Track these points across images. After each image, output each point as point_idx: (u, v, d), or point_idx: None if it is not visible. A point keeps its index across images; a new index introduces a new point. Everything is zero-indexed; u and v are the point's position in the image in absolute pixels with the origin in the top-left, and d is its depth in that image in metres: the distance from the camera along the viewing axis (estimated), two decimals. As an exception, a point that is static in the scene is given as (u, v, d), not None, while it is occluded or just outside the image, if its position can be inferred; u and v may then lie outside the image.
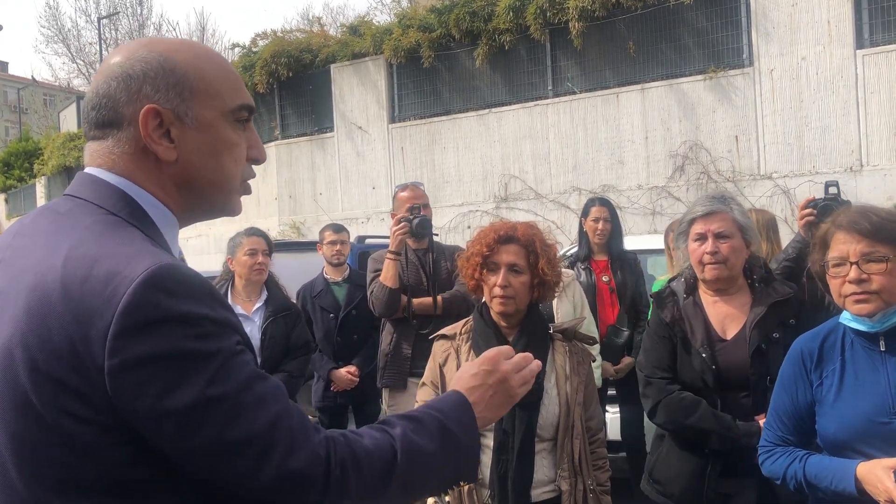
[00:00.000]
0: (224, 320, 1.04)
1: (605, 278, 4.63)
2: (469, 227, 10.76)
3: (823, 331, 2.15)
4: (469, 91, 11.49)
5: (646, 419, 4.48)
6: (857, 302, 1.98)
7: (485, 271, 2.48)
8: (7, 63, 59.50)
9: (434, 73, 11.70)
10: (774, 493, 2.40)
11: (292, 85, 13.21)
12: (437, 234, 4.28)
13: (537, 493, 2.39)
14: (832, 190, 3.20)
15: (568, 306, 4.06)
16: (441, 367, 2.52)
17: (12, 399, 1.01)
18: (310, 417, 1.22)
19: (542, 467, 2.41)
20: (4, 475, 1.03)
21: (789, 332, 2.46)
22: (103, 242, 1.04)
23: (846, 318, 2.07)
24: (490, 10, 10.79)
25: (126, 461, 1.00)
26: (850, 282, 1.98)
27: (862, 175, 8.66)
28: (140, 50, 1.15)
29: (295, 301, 4.78)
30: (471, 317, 2.59)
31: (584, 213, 4.79)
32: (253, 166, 1.27)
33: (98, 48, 30.73)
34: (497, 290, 2.44)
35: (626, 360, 4.55)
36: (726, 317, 2.65)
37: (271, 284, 4.28)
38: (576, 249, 4.92)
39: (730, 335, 2.62)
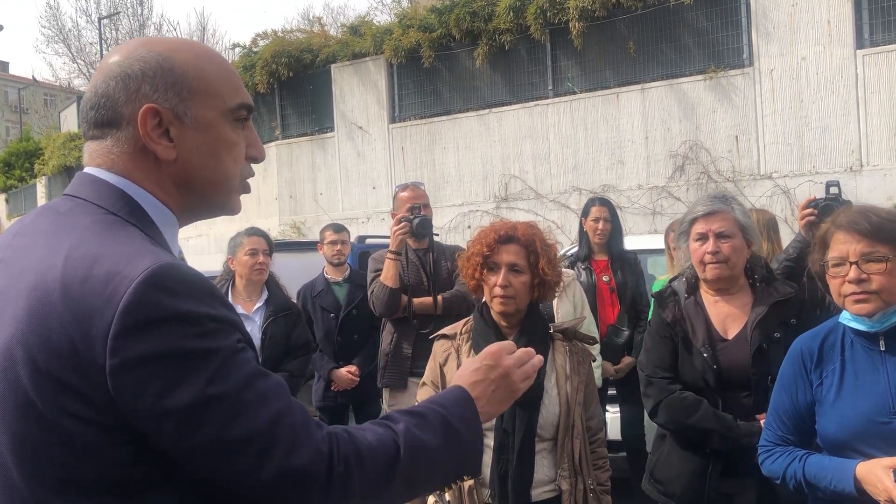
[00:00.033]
0: (225, 318, 1.04)
1: (605, 278, 4.63)
2: (469, 227, 10.76)
3: (823, 330, 2.15)
4: (469, 91, 11.49)
5: (646, 419, 4.49)
6: (857, 302, 1.98)
7: (485, 271, 2.48)
8: (8, 63, 59.52)
9: (434, 73, 11.70)
10: (775, 493, 2.40)
11: (293, 85, 13.22)
12: (437, 234, 4.29)
13: (537, 492, 2.39)
14: (833, 190, 3.20)
15: (568, 306, 4.07)
16: (441, 366, 2.53)
17: (13, 399, 1.01)
18: None
19: (543, 467, 2.41)
20: (5, 475, 1.03)
21: (790, 331, 2.46)
22: (103, 242, 1.04)
23: (846, 318, 2.07)
24: (490, 10, 10.79)
25: (126, 461, 1.00)
26: (849, 282, 1.98)
27: (862, 175, 8.66)
28: (139, 49, 1.15)
29: (295, 301, 4.78)
30: (471, 316, 2.60)
31: (585, 213, 4.79)
32: (252, 165, 1.27)
33: (99, 48, 30.74)
34: (497, 290, 2.44)
35: (627, 359, 4.55)
36: (727, 316, 2.65)
37: (272, 284, 4.28)
38: (576, 249, 4.92)
39: (731, 335, 2.62)
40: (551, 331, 2.56)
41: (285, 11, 72.33)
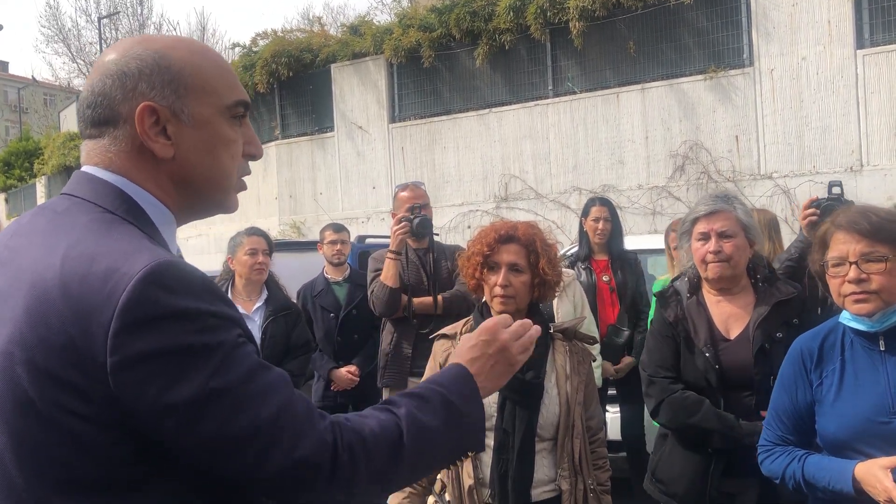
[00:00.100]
0: (224, 314, 1.04)
1: (605, 278, 4.63)
2: (469, 227, 10.76)
3: (823, 330, 2.15)
4: (469, 91, 11.49)
5: (646, 419, 4.49)
6: (857, 302, 1.98)
7: (485, 271, 2.48)
8: (7, 63, 59.53)
9: (434, 73, 11.70)
10: (777, 493, 2.40)
11: (293, 85, 13.22)
12: (437, 234, 4.29)
13: (537, 492, 2.39)
14: (836, 190, 3.20)
15: (568, 306, 4.07)
16: (441, 366, 2.52)
17: (12, 398, 1.01)
18: None
19: (543, 467, 2.41)
20: (5, 474, 1.03)
21: (793, 331, 2.45)
22: (101, 240, 1.04)
23: (846, 318, 2.07)
24: (490, 10, 10.79)
25: (126, 458, 1.01)
26: (849, 281, 1.98)
27: (862, 175, 8.66)
28: (135, 47, 1.15)
29: (295, 301, 4.78)
30: (471, 316, 2.59)
31: (585, 212, 4.79)
32: (252, 164, 1.27)
33: (98, 48, 30.73)
34: (497, 290, 2.44)
35: (627, 359, 4.55)
36: (730, 316, 2.65)
37: (271, 284, 4.28)
38: (576, 249, 4.92)
39: (733, 335, 2.62)
40: (551, 330, 2.56)
41: (285, 11, 72.37)
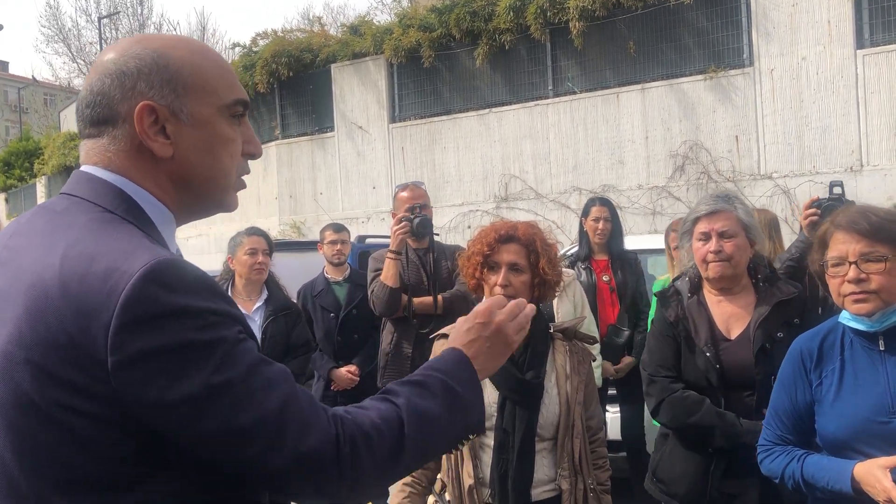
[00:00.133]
0: (224, 311, 1.05)
1: (605, 278, 4.63)
2: (469, 227, 10.77)
3: (823, 330, 2.15)
4: (469, 91, 11.49)
5: (646, 419, 4.49)
6: (856, 301, 1.98)
7: (485, 270, 2.48)
8: (7, 63, 59.53)
9: (434, 73, 11.71)
10: (778, 493, 2.40)
11: (293, 85, 13.22)
12: (437, 234, 4.29)
13: (537, 492, 2.39)
14: (837, 190, 3.20)
15: (568, 306, 4.07)
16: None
17: (13, 398, 1.01)
18: None
19: (543, 466, 2.40)
20: (6, 473, 1.03)
21: (793, 331, 2.44)
22: (100, 239, 1.04)
23: (845, 318, 2.07)
24: (490, 10, 10.79)
25: (127, 458, 1.01)
26: (849, 281, 1.98)
27: (862, 175, 8.66)
28: (134, 46, 1.15)
29: (295, 300, 4.78)
30: (471, 316, 2.59)
31: (585, 212, 4.79)
32: (252, 164, 1.27)
33: (98, 48, 30.73)
34: (497, 290, 2.44)
35: (627, 359, 4.55)
36: (731, 316, 2.65)
37: (271, 284, 4.28)
38: (576, 249, 4.92)
39: (734, 335, 2.61)
40: (551, 330, 2.56)
41: (285, 11, 72.38)
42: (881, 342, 2.01)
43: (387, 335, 4.17)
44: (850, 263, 1.98)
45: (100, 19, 32.36)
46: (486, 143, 11.22)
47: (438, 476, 2.51)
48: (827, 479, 1.98)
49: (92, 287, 0.99)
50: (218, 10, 76.98)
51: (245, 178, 1.27)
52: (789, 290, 2.62)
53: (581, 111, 10.47)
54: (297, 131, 13.37)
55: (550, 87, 10.81)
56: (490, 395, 2.42)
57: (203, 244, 13.92)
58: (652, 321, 2.91)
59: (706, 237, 2.63)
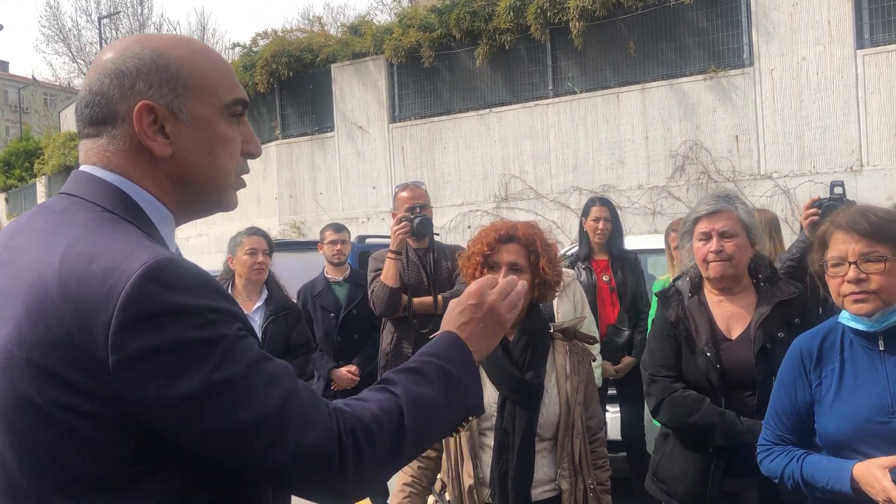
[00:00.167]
0: (224, 309, 1.05)
1: (605, 278, 4.63)
2: (469, 227, 10.77)
3: (823, 330, 2.15)
4: (469, 91, 11.50)
5: (646, 419, 4.49)
6: (856, 301, 1.98)
7: (485, 270, 2.48)
8: (8, 63, 59.55)
9: (434, 73, 11.71)
10: (778, 493, 2.40)
11: (293, 84, 13.22)
12: (437, 234, 4.29)
13: (537, 492, 2.39)
14: (838, 190, 3.20)
15: (568, 306, 4.07)
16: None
17: (13, 398, 1.01)
18: None
19: (543, 466, 2.41)
20: (6, 473, 1.03)
21: (794, 331, 2.44)
22: (100, 239, 1.04)
23: (845, 318, 2.07)
24: (490, 10, 10.80)
25: (126, 458, 1.01)
26: (848, 281, 1.98)
27: (862, 175, 8.66)
28: (133, 46, 1.15)
29: (295, 300, 4.78)
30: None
31: (585, 212, 4.79)
32: (252, 164, 1.27)
33: (98, 48, 30.72)
34: (497, 290, 2.44)
35: (627, 359, 4.55)
36: (731, 316, 2.65)
37: (271, 284, 4.28)
38: (576, 249, 4.92)
39: (735, 335, 2.61)
40: (551, 330, 2.56)
41: (285, 11, 72.40)
42: (881, 342, 2.01)
43: (387, 335, 4.17)
44: (850, 263, 1.98)
45: (100, 19, 32.37)
46: (486, 143, 11.22)
47: (438, 476, 2.52)
48: (826, 479, 1.98)
49: (91, 286, 0.99)
50: (218, 10, 77.00)
51: (245, 177, 1.27)
52: (790, 290, 2.62)
53: (581, 111, 10.47)
54: (297, 131, 13.37)
55: (550, 87, 10.81)
56: (490, 395, 2.42)
57: (203, 244, 13.92)
58: (653, 321, 2.91)
59: (707, 237, 2.63)
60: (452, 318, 1.31)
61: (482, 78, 11.36)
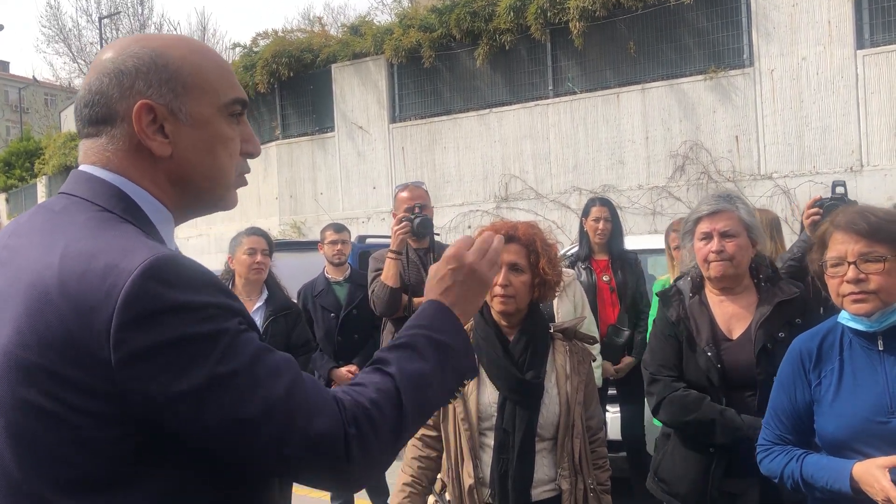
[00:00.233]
0: (224, 305, 1.05)
1: (605, 278, 4.63)
2: (469, 227, 10.78)
3: (822, 330, 2.15)
4: (470, 91, 11.50)
5: (646, 419, 4.49)
6: (855, 302, 1.98)
7: (485, 270, 2.48)
8: (8, 63, 59.55)
9: (435, 73, 11.71)
10: (778, 493, 2.40)
11: (293, 85, 13.22)
12: (438, 234, 4.29)
13: (537, 492, 2.39)
14: (839, 189, 3.20)
15: (568, 306, 4.07)
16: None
17: (13, 397, 1.01)
18: None
19: (543, 466, 2.41)
20: (5, 473, 1.03)
21: (795, 331, 2.43)
22: (99, 238, 1.05)
23: (844, 318, 2.08)
24: (491, 10, 10.79)
25: (126, 458, 1.01)
26: (847, 282, 1.98)
27: (862, 175, 8.66)
28: (132, 46, 1.15)
29: (295, 300, 4.78)
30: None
31: (585, 212, 4.80)
32: (252, 164, 1.27)
33: (99, 48, 30.70)
34: (497, 290, 2.44)
35: (627, 359, 4.56)
36: (732, 316, 2.65)
37: (272, 284, 4.28)
38: (576, 249, 4.92)
39: (736, 335, 2.61)
40: (551, 330, 2.56)
41: (286, 11, 72.38)
42: (880, 342, 2.01)
43: (387, 335, 4.17)
44: (849, 264, 1.98)
45: (100, 19, 32.36)
46: (487, 143, 11.22)
47: (438, 476, 2.52)
48: (826, 479, 1.98)
49: (91, 285, 0.99)
50: (218, 10, 77.00)
51: (245, 177, 1.27)
52: (791, 290, 2.62)
53: (581, 111, 10.47)
54: (298, 131, 13.37)
55: (551, 88, 10.81)
56: (490, 395, 2.42)
57: (203, 244, 13.93)
58: (654, 321, 2.91)
59: (708, 237, 2.63)
60: (434, 285, 1.31)
61: (482, 78, 11.36)
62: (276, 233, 11.86)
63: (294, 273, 5.35)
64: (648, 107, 9.99)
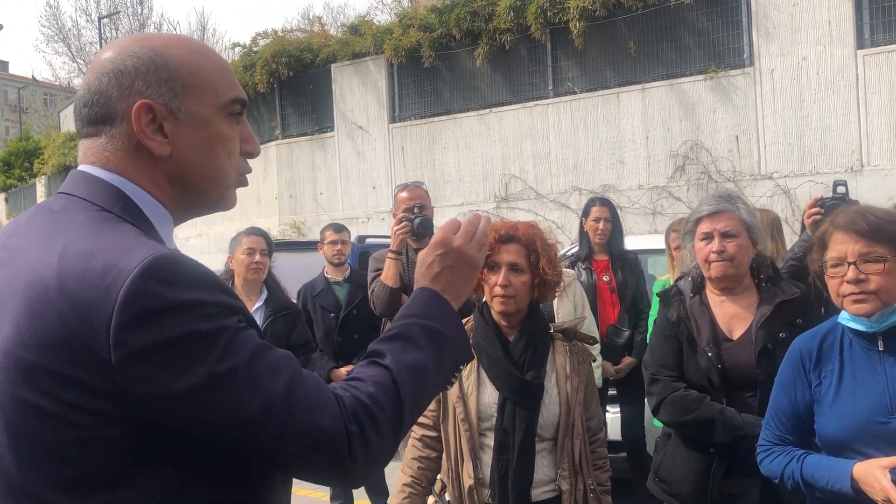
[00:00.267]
0: (224, 303, 1.05)
1: (605, 278, 4.63)
2: (469, 227, 10.74)
3: (822, 331, 2.15)
4: (469, 91, 11.50)
5: (646, 419, 4.49)
6: (855, 302, 1.98)
7: (485, 270, 2.48)
8: (7, 62, 59.59)
9: (435, 73, 11.71)
10: (778, 493, 2.40)
11: (293, 84, 13.22)
12: (438, 234, 4.27)
13: (537, 492, 2.39)
14: (841, 189, 3.20)
15: (568, 306, 4.07)
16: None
17: (13, 397, 1.01)
18: None
19: (543, 467, 2.40)
20: (4, 473, 1.03)
21: (797, 331, 2.42)
22: (98, 237, 1.04)
23: (844, 318, 2.08)
24: (491, 10, 10.80)
25: (126, 454, 1.01)
26: (847, 282, 1.98)
27: (862, 175, 8.66)
28: (131, 45, 1.15)
29: (295, 301, 4.78)
30: (471, 316, 2.59)
31: (585, 212, 4.79)
32: (252, 164, 1.27)
33: (98, 47, 30.71)
34: (497, 290, 2.44)
35: (627, 360, 4.55)
36: (733, 317, 2.65)
37: (271, 284, 4.28)
38: (576, 249, 4.92)
39: (736, 335, 2.61)
40: (551, 331, 2.56)
41: (285, 11, 72.43)
42: (880, 342, 2.01)
43: (387, 335, 4.16)
44: (849, 264, 1.98)
45: (100, 19, 32.38)
46: (487, 143, 11.22)
47: (438, 476, 2.51)
48: (827, 479, 1.98)
49: (90, 284, 0.99)
50: (218, 9, 77.05)
51: (245, 176, 1.27)
52: (792, 291, 2.62)
53: (581, 111, 10.47)
54: (297, 131, 13.37)
55: (551, 87, 10.81)
56: (490, 395, 2.42)
57: (203, 244, 13.92)
58: (654, 321, 2.91)
59: (709, 237, 2.63)
60: (423, 272, 1.31)
61: (482, 78, 11.36)
62: (275, 233, 11.86)
63: (294, 273, 5.35)
64: (648, 107, 9.99)
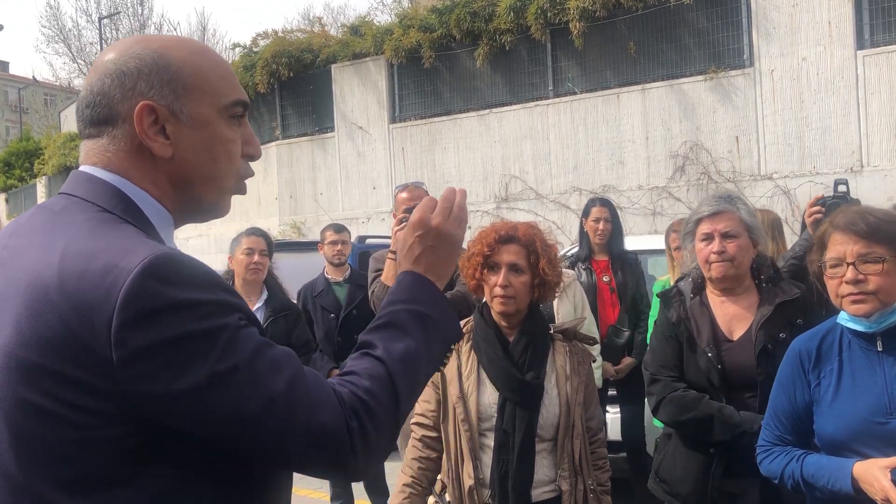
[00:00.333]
0: (224, 302, 1.05)
1: (605, 278, 4.63)
2: (470, 228, 10.72)
3: (821, 331, 2.15)
4: (470, 91, 11.50)
5: (646, 420, 4.49)
6: (854, 302, 1.98)
7: (485, 271, 2.48)
8: (8, 63, 59.57)
9: (435, 74, 11.71)
10: (778, 493, 2.40)
11: (293, 85, 13.22)
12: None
13: (538, 492, 2.39)
14: (841, 188, 3.19)
15: (568, 306, 4.07)
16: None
17: (13, 397, 1.01)
18: None
19: (543, 467, 2.41)
20: (5, 472, 1.03)
21: (796, 331, 2.43)
22: (98, 238, 1.05)
23: (844, 319, 2.08)
24: (491, 11, 10.80)
25: (126, 454, 1.01)
26: (846, 282, 1.98)
27: (862, 175, 8.66)
28: (134, 47, 1.15)
29: (296, 301, 4.78)
30: (471, 317, 2.60)
31: (585, 213, 4.79)
32: (252, 164, 1.27)
33: (99, 48, 30.72)
34: (498, 290, 2.44)
35: (627, 360, 4.55)
36: (733, 317, 2.65)
37: (272, 284, 4.28)
38: (576, 250, 4.92)
39: (736, 335, 2.61)
40: (551, 331, 2.56)
41: (285, 11, 72.44)
42: (879, 343, 2.01)
43: (387, 336, 4.16)
44: (848, 264, 1.98)
45: (100, 19, 32.37)
46: (487, 143, 11.22)
47: (438, 477, 2.52)
48: (827, 479, 1.98)
49: (91, 284, 0.99)
50: (218, 10, 77.04)
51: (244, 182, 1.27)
52: (792, 291, 2.62)
53: (581, 111, 10.47)
54: (298, 131, 13.37)
55: (551, 88, 10.82)
56: (490, 395, 2.42)
57: (203, 244, 13.92)
58: (654, 321, 2.91)
59: (709, 238, 2.63)
60: (405, 255, 1.30)
61: (482, 78, 11.36)
62: (275, 233, 11.87)
63: (294, 273, 5.35)
64: (648, 107, 9.99)
